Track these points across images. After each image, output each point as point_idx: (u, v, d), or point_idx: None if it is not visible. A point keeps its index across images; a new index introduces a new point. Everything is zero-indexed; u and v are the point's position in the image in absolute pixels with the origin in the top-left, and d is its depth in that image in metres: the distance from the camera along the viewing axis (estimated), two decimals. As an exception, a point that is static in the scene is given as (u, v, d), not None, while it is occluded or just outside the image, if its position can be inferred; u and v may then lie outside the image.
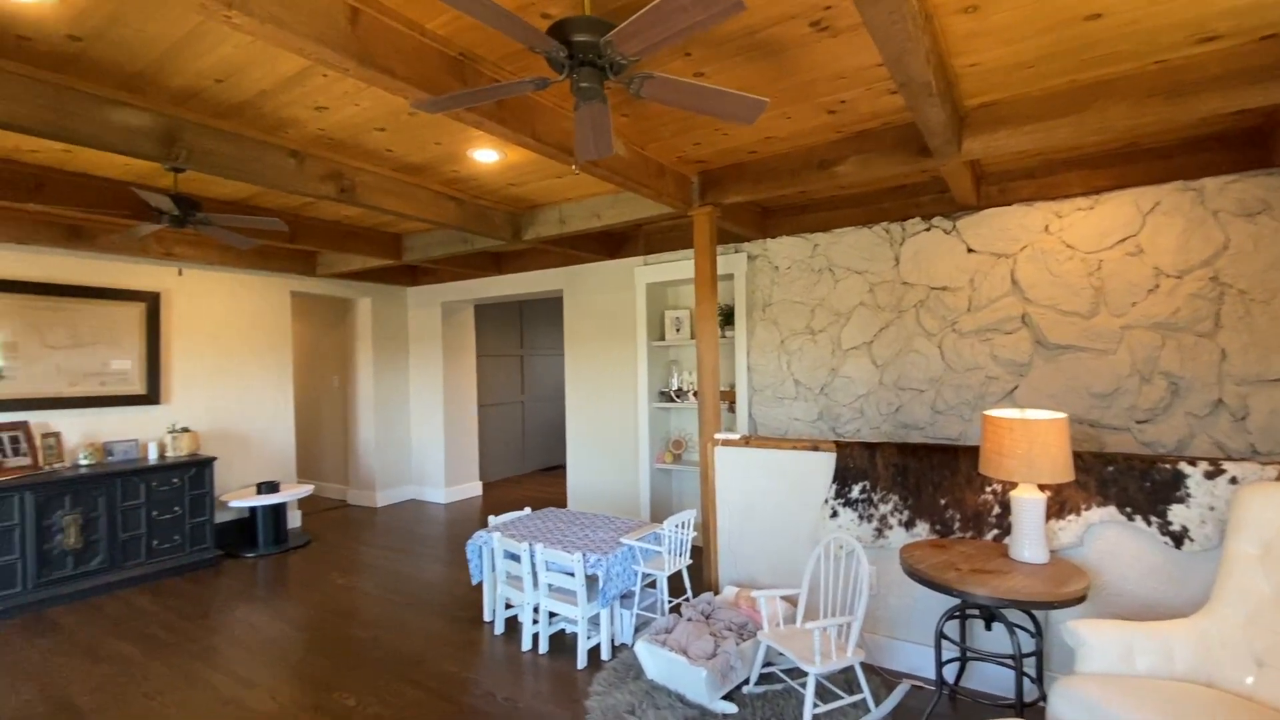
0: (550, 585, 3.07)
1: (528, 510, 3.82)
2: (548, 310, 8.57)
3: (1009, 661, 2.22)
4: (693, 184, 3.44)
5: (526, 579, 3.10)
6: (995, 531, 2.60)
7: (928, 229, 3.79)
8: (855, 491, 2.89)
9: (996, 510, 2.61)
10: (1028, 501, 2.29)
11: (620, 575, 3.00)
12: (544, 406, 8.48)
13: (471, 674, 2.90)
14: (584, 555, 2.93)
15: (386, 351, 6.54)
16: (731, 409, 4.62)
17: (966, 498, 2.67)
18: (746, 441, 3.23)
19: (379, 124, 2.73)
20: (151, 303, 4.75)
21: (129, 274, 4.67)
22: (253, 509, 4.90)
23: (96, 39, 2.03)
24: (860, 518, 2.87)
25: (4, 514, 3.68)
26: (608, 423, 5.17)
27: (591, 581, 3.05)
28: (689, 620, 2.77)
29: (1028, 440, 2.24)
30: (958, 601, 2.38)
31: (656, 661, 2.62)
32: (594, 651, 3.04)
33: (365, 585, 4.11)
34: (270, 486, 4.97)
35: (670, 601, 3.09)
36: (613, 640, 3.04)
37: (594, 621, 3.13)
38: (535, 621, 3.16)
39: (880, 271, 3.94)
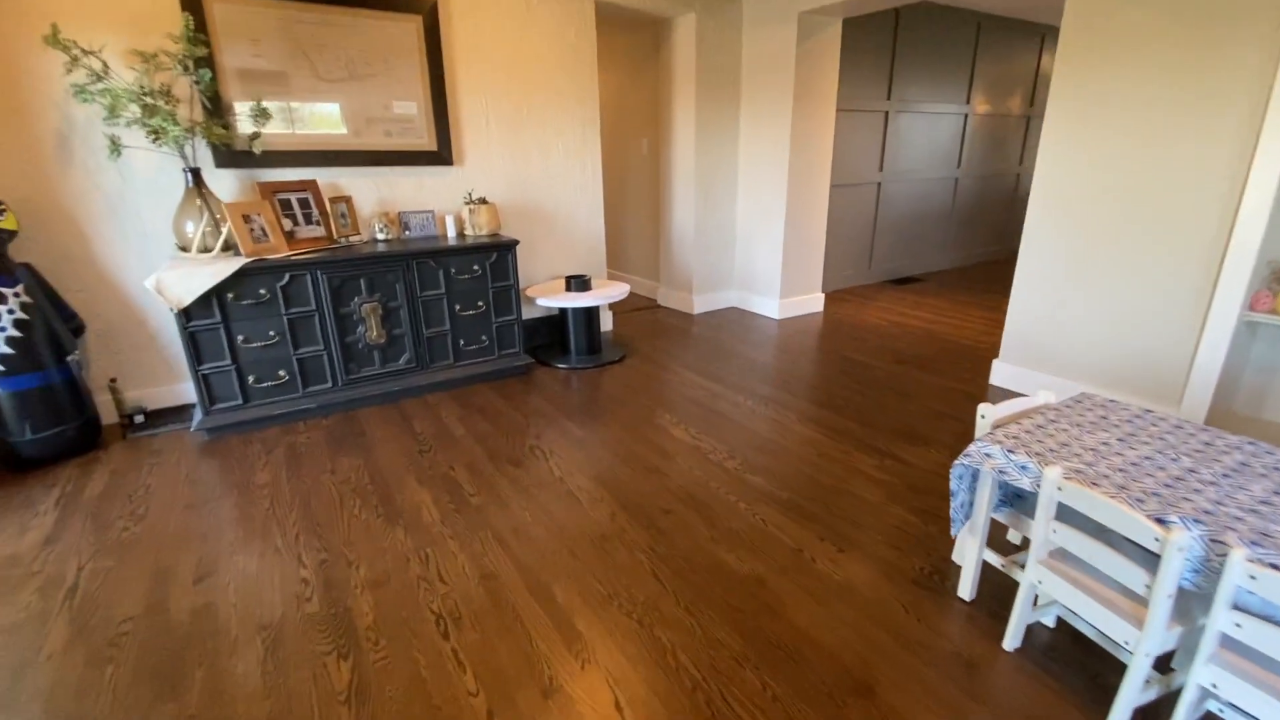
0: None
1: (1047, 396, 1.86)
2: (943, 34, 5.59)
3: None
4: None
5: (1156, 591, 1.25)
6: None
7: None
8: None
9: None
10: None
11: None
12: (906, 191, 6.00)
13: (1012, 780, 1.30)
14: None
15: (711, 101, 4.62)
16: None
17: None
18: None
19: None
20: (428, 17, 3.40)
21: (399, -29, 3.30)
22: (563, 310, 3.82)
23: None
24: None
25: (300, 295, 2.98)
26: (1134, 219, 2.71)
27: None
28: None
29: None
30: None
31: None
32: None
33: (716, 448, 2.75)
34: (581, 283, 3.78)
35: None
36: None
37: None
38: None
39: None
